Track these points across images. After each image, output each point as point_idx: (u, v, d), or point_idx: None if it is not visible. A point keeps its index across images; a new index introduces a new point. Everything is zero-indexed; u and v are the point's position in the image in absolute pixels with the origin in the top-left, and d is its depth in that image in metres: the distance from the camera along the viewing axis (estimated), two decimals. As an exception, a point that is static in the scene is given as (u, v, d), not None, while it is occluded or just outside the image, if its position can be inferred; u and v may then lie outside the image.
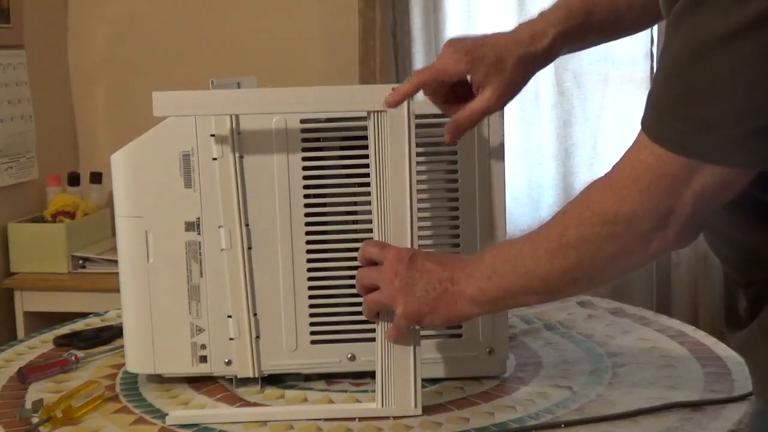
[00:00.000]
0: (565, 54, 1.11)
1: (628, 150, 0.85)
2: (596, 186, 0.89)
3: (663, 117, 0.80)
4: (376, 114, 1.09)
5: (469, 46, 1.06)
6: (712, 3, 0.74)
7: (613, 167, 0.87)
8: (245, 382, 1.22)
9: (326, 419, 1.11)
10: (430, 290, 1.03)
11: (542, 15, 1.08)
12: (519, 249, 0.96)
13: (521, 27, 1.09)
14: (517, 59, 1.05)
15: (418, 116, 1.17)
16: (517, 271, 0.96)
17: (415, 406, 1.11)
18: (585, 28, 1.08)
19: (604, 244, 0.87)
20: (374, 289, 1.07)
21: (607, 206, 0.86)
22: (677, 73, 0.78)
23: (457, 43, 1.08)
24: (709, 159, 0.78)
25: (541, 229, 0.95)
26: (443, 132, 1.12)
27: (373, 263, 1.09)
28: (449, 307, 1.03)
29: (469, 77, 1.07)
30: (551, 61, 1.09)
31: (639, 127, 0.83)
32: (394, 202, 1.10)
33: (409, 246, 1.09)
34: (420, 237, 1.17)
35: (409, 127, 1.09)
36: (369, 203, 1.12)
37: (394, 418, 1.11)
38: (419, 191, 1.17)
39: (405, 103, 1.09)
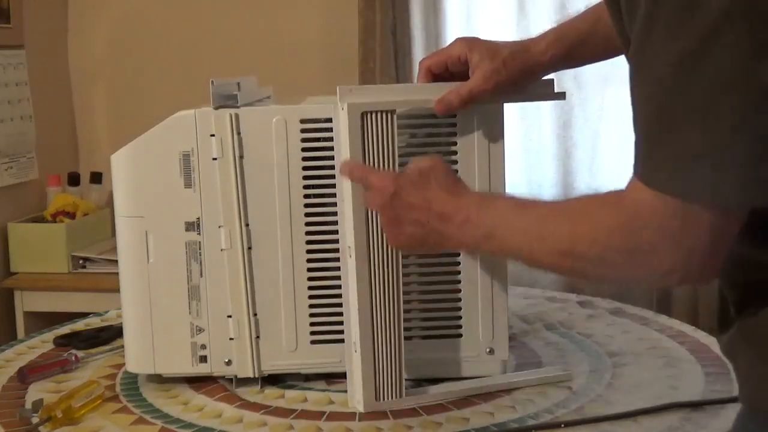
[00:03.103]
0: (565, 68, 1.19)
1: (630, 187, 0.81)
2: (608, 215, 0.84)
3: (648, 162, 0.78)
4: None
5: (471, 38, 1.17)
6: (654, 36, 0.73)
7: (622, 200, 0.82)
8: (245, 382, 1.22)
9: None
10: (418, 229, 1.02)
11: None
12: (527, 227, 0.92)
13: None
14: (511, 51, 1.14)
15: (417, 116, 1.17)
16: (520, 248, 0.93)
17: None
18: (579, 43, 1.15)
19: (621, 269, 0.84)
20: None
21: (622, 240, 0.82)
22: (646, 115, 0.77)
23: (461, 37, 1.18)
24: (699, 199, 0.75)
25: (550, 219, 0.91)
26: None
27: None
28: (439, 244, 1.03)
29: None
30: (549, 66, 1.16)
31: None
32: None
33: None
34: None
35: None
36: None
37: (393, 417, 1.11)
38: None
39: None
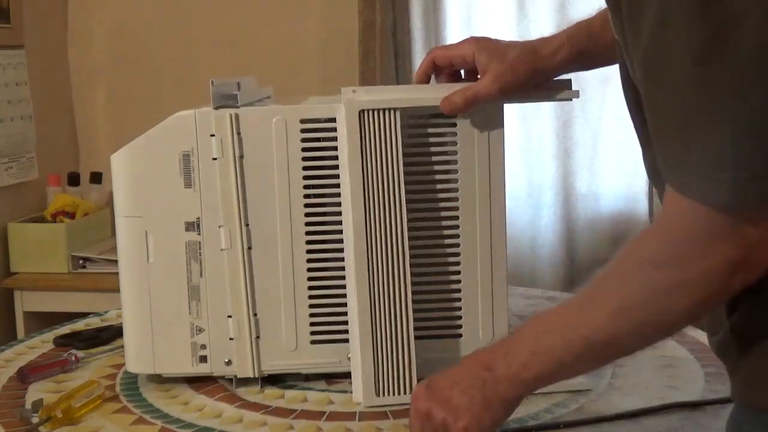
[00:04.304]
0: (576, 70, 1.16)
1: (667, 200, 0.79)
2: (651, 241, 0.83)
3: (675, 169, 0.77)
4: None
5: (481, 38, 1.15)
6: (668, 40, 0.72)
7: (662, 219, 0.81)
8: (245, 382, 1.22)
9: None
10: (470, 390, 0.91)
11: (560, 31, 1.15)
12: (566, 320, 0.87)
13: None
14: (520, 53, 1.12)
15: (417, 116, 1.17)
16: (571, 340, 0.86)
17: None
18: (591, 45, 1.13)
19: (681, 298, 0.80)
20: None
21: (668, 255, 0.79)
22: (665, 121, 0.76)
23: (473, 36, 1.16)
24: (728, 206, 0.74)
25: (587, 294, 0.88)
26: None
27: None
28: (496, 392, 0.91)
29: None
30: (559, 68, 1.13)
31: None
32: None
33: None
34: (420, 237, 1.17)
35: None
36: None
37: (393, 417, 1.11)
38: (419, 191, 1.17)
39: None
